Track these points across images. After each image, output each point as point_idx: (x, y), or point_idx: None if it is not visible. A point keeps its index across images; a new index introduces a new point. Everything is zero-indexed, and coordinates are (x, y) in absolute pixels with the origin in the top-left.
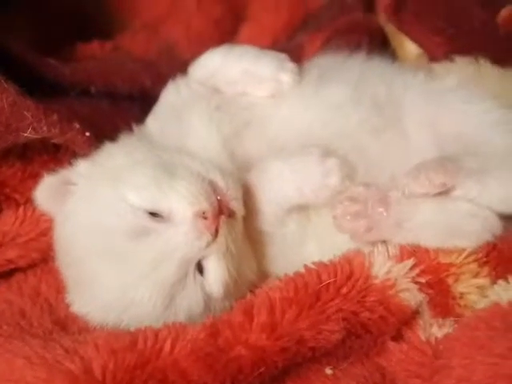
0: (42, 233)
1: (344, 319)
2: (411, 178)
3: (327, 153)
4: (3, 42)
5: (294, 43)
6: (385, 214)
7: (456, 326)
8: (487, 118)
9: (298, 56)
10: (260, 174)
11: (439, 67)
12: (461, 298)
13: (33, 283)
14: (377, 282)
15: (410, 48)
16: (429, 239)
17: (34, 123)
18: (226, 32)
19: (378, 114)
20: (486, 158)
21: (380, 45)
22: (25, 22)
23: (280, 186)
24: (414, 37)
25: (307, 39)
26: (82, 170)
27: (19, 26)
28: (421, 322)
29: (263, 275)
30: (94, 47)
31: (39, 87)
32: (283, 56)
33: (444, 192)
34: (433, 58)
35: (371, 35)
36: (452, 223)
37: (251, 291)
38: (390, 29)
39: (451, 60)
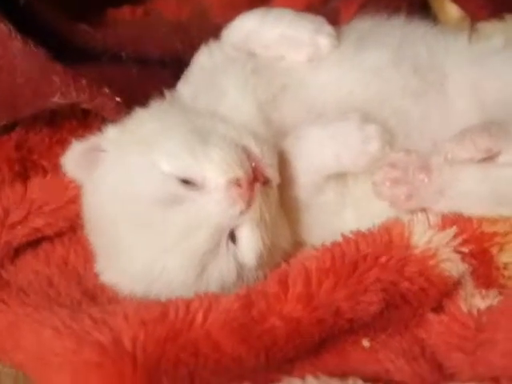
0: (70, 200)
1: (382, 290)
2: (455, 142)
3: (367, 119)
4: (34, 6)
5: (329, 7)
6: (426, 180)
7: (501, 298)
8: None
9: (333, 20)
10: (297, 140)
11: (486, 26)
12: (505, 268)
13: (60, 253)
14: (417, 251)
15: (451, 11)
16: (472, 207)
17: (63, 88)
18: None
19: (419, 77)
20: None
21: (420, 8)
22: None
23: (317, 154)
24: None
25: (343, 3)
26: (112, 136)
27: None
28: (462, 293)
29: (297, 244)
30: (125, 12)
31: (69, 52)
32: (321, 19)
33: (489, 158)
34: (475, 20)
35: None
36: (497, 190)
37: (285, 261)
38: None
39: (500, 18)
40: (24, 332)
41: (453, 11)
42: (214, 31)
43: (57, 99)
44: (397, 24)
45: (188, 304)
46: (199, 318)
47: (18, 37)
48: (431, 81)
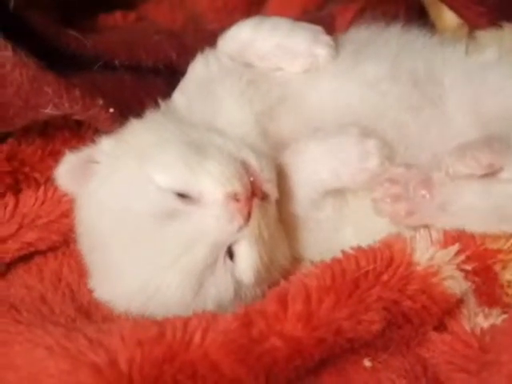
0: (64, 214)
1: (384, 308)
2: (456, 157)
3: (365, 133)
4: (23, 13)
5: (324, 13)
6: (427, 196)
7: (506, 317)
8: None
9: (328, 27)
10: (294, 154)
11: (483, 35)
12: (509, 286)
13: (54, 267)
14: (419, 269)
15: (449, 18)
16: (475, 224)
17: (55, 99)
18: (254, 1)
19: (417, 90)
20: None
21: (418, 15)
22: None
23: (315, 169)
24: (455, 7)
25: (339, 9)
26: (106, 147)
27: None
28: (465, 311)
29: (296, 261)
30: (117, 18)
31: (60, 61)
32: (318, 28)
33: (491, 173)
34: (474, 28)
35: (408, 5)
36: (499, 206)
37: (284, 278)
38: None
39: (498, 27)
40: (16, 351)
41: (451, 19)
42: (208, 37)
43: (49, 110)
44: (394, 34)
45: (186, 324)
46: (197, 338)
47: (8, 46)
48: (429, 94)
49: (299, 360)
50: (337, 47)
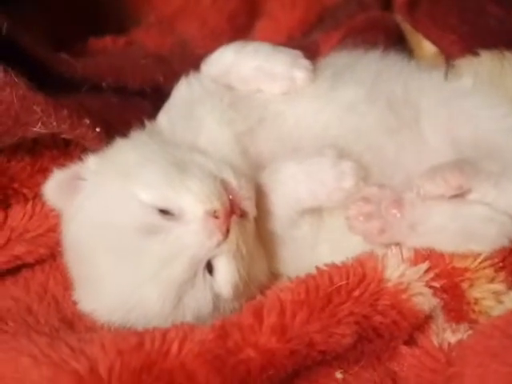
0: (51, 228)
1: (355, 323)
2: (426, 178)
3: (342, 155)
4: (15, 36)
5: (309, 40)
6: (398, 215)
7: (471, 333)
8: (504, 123)
9: (313, 53)
10: (273, 174)
11: (461, 62)
12: (475, 303)
13: (40, 280)
14: (390, 285)
15: (427, 46)
16: (443, 243)
17: (44, 118)
18: (241, 28)
19: (394, 114)
20: (503, 162)
21: (397, 43)
22: (38, 16)
23: (293, 188)
24: (429, 35)
25: (323, 36)
26: (92, 165)
27: (33, 19)
28: (434, 326)
29: (274, 276)
30: (107, 42)
31: (50, 82)
32: (297, 53)
33: (460, 195)
34: (449, 56)
35: (388, 33)
36: (467, 227)
37: (261, 292)
38: (407, 27)
39: (475, 54)
40: (1, 359)
41: (429, 47)
42: (195, 62)
43: (38, 129)
44: (373, 59)
45: (164, 334)
46: (175, 348)
47: (0, 67)
48: (406, 117)
49: (272, 370)
50: (316, 71)
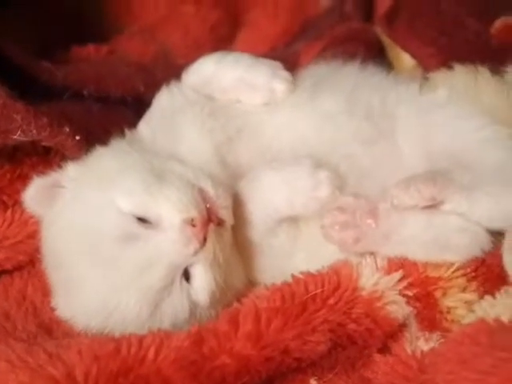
0: (30, 235)
1: (330, 330)
2: (400, 188)
3: (318, 164)
4: None
5: (290, 51)
6: (373, 225)
7: (443, 340)
8: (478, 135)
9: (293, 64)
10: (250, 183)
11: (436, 76)
12: (448, 312)
13: (19, 286)
14: (364, 293)
15: (405, 59)
16: (417, 252)
17: (24, 126)
18: (224, 38)
19: (371, 125)
20: (476, 174)
21: (377, 55)
22: (21, 24)
23: (270, 197)
24: (408, 48)
25: (304, 47)
26: (72, 173)
27: (15, 27)
28: (407, 335)
29: (251, 284)
30: (89, 50)
31: (31, 90)
32: (277, 64)
33: (433, 206)
34: (426, 68)
35: (368, 45)
36: (440, 237)
37: (238, 300)
38: (387, 39)
39: (450, 68)
40: None
41: (407, 60)
42: (177, 72)
43: (17, 136)
44: (351, 71)
45: (141, 340)
46: (151, 354)
47: None
48: (382, 128)
49: (247, 377)
50: (296, 81)
